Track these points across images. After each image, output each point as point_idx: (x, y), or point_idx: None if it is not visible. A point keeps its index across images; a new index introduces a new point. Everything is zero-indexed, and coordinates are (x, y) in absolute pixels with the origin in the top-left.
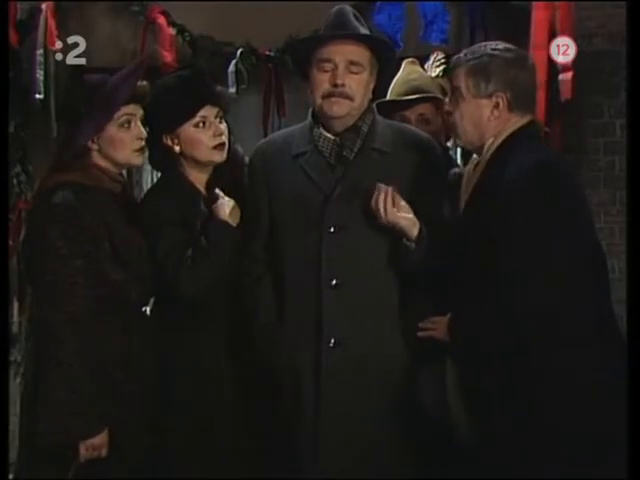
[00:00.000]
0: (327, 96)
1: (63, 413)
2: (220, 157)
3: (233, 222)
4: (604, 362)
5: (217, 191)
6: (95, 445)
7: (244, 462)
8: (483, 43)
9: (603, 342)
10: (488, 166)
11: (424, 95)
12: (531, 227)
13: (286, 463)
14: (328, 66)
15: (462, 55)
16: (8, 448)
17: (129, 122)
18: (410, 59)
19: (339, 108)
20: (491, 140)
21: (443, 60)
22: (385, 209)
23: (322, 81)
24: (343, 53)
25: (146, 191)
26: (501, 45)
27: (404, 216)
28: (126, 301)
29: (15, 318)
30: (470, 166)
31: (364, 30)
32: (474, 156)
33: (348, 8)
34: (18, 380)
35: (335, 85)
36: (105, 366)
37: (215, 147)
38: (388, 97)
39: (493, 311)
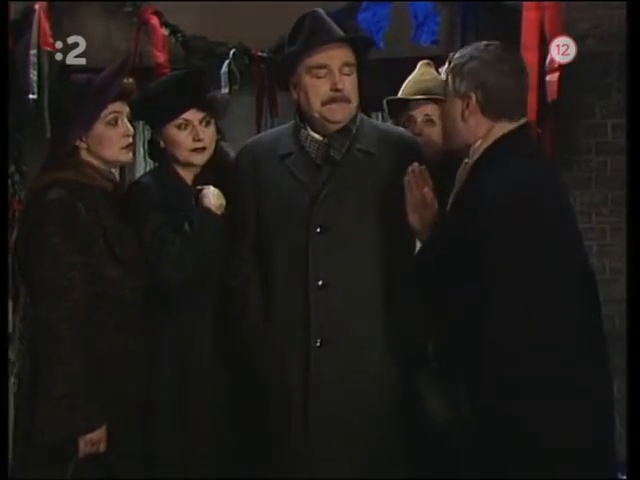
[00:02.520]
0: (328, 102)
1: (63, 409)
2: (198, 160)
3: (217, 211)
4: (584, 377)
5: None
6: (94, 440)
7: (233, 462)
8: (478, 43)
9: (587, 364)
10: (470, 174)
11: (430, 96)
12: (502, 249)
13: (275, 463)
14: (323, 72)
15: (452, 54)
16: (8, 448)
17: (116, 120)
18: (426, 61)
19: (342, 113)
20: (478, 143)
21: None
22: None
23: (319, 87)
24: (337, 57)
25: (137, 177)
26: (491, 47)
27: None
28: (120, 298)
29: (9, 318)
30: (461, 167)
31: (339, 30)
32: (464, 161)
33: (322, 11)
34: (12, 380)
35: (336, 90)
36: (101, 363)
37: (193, 150)
38: (399, 96)
39: (463, 326)
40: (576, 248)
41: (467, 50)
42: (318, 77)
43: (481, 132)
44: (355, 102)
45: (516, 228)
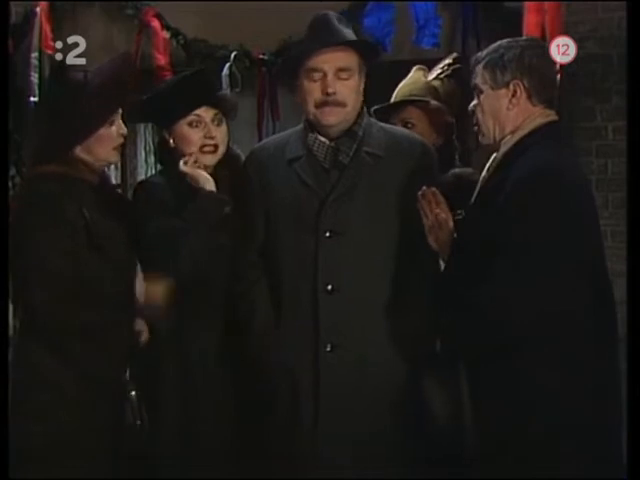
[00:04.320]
0: (320, 105)
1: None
2: (208, 160)
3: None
4: (597, 376)
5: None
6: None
7: (240, 468)
8: (498, 41)
9: (599, 357)
10: (499, 165)
11: (401, 99)
12: (526, 235)
13: (285, 470)
14: (317, 75)
15: (479, 54)
16: (8, 448)
17: (113, 121)
18: (419, 66)
19: (334, 117)
20: (508, 137)
21: (449, 62)
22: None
23: (313, 90)
24: (331, 61)
25: (144, 178)
26: (516, 38)
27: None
28: (101, 294)
29: (10, 320)
30: (488, 164)
31: (349, 32)
32: (493, 155)
33: (331, 14)
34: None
35: (327, 94)
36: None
37: (203, 148)
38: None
39: (485, 314)
40: (597, 245)
41: (492, 48)
42: (313, 80)
43: (519, 121)
44: (351, 106)
45: (544, 211)
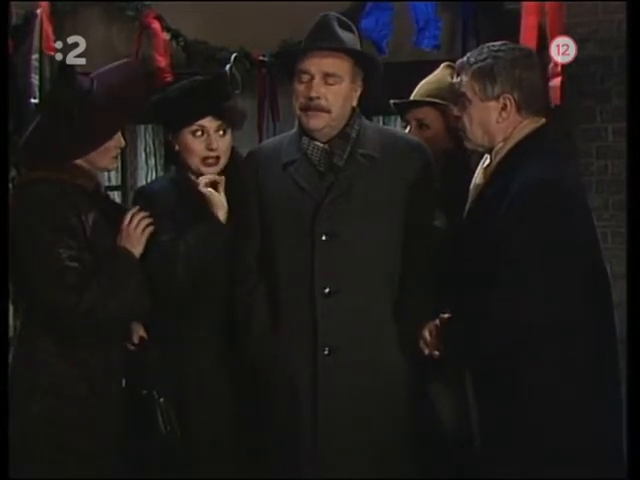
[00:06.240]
0: (304, 109)
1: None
2: (210, 172)
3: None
4: (599, 377)
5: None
6: None
7: (241, 470)
8: (486, 45)
9: (599, 360)
10: (494, 174)
11: (421, 99)
12: (529, 244)
13: (284, 471)
14: (305, 77)
15: (466, 59)
16: (8, 447)
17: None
18: (447, 63)
19: (316, 121)
20: (500, 145)
21: None
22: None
23: (299, 92)
24: (319, 65)
25: (143, 185)
26: (505, 45)
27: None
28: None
29: (10, 322)
30: (479, 170)
31: (350, 37)
32: (485, 157)
33: (332, 15)
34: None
35: (310, 98)
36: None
37: (205, 159)
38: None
39: (487, 320)
40: (597, 248)
41: (481, 54)
42: (300, 82)
43: (509, 131)
44: (337, 113)
45: (545, 224)
